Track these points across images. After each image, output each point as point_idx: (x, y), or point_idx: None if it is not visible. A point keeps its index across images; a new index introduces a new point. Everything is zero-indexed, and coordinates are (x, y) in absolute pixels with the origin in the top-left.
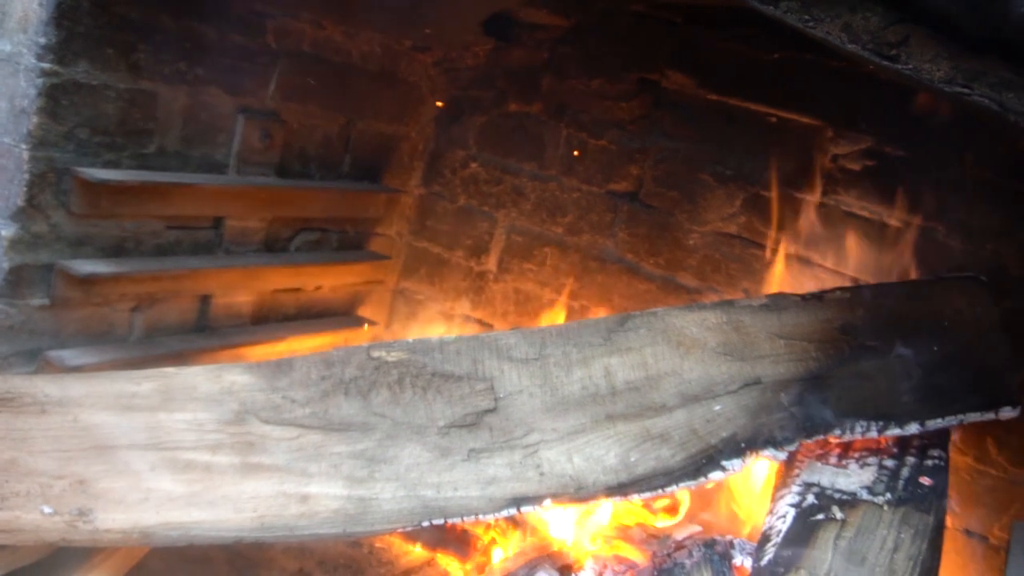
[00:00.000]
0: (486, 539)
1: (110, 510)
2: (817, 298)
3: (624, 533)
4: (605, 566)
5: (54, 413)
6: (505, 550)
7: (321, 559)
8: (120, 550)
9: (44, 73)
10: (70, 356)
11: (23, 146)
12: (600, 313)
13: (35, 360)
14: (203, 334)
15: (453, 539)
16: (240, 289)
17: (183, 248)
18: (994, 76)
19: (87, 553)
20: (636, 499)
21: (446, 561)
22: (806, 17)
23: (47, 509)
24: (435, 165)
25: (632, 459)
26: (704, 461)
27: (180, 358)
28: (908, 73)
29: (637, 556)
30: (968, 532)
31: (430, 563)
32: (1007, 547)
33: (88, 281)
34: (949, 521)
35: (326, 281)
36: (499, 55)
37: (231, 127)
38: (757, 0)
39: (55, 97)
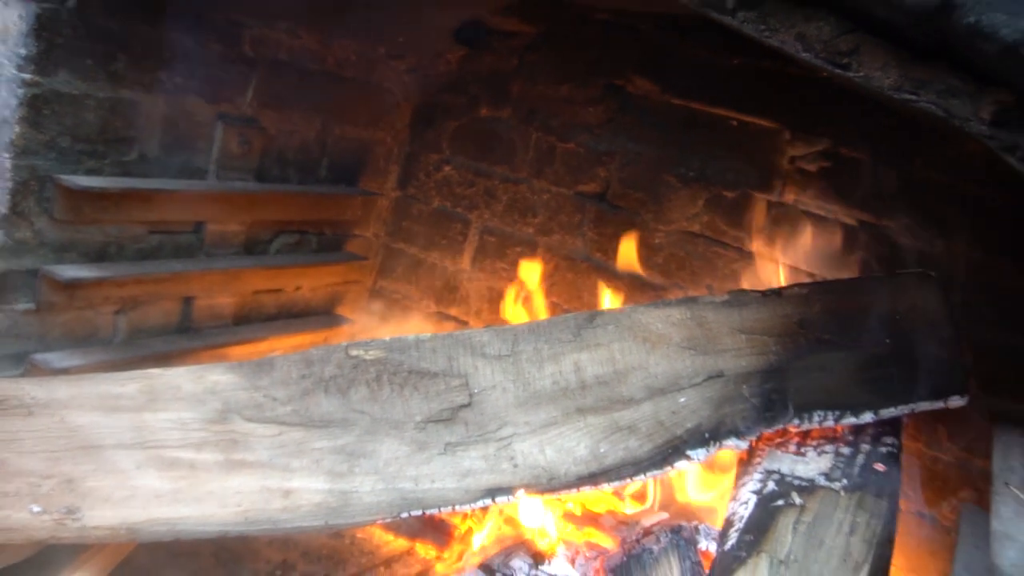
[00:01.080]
0: (463, 528)
1: (98, 508)
2: (776, 294)
3: (595, 520)
4: (577, 552)
5: (41, 415)
6: (482, 539)
7: (305, 550)
8: (108, 546)
9: (25, 83)
10: (56, 359)
11: (5, 155)
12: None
13: (21, 363)
14: (186, 335)
15: (431, 529)
16: (222, 291)
17: (165, 252)
18: (940, 83)
19: (76, 550)
20: (606, 488)
21: (425, 550)
22: (762, 27)
23: (36, 508)
24: (410, 168)
25: (602, 450)
26: (670, 451)
27: (164, 359)
28: (859, 80)
29: (607, 542)
30: (920, 515)
31: (410, 552)
32: (957, 528)
33: (72, 286)
34: (902, 504)
35: (305, 282)
36: (471, 62)
37: (210, 133)
38: (716, 11)
39: (36, 107)
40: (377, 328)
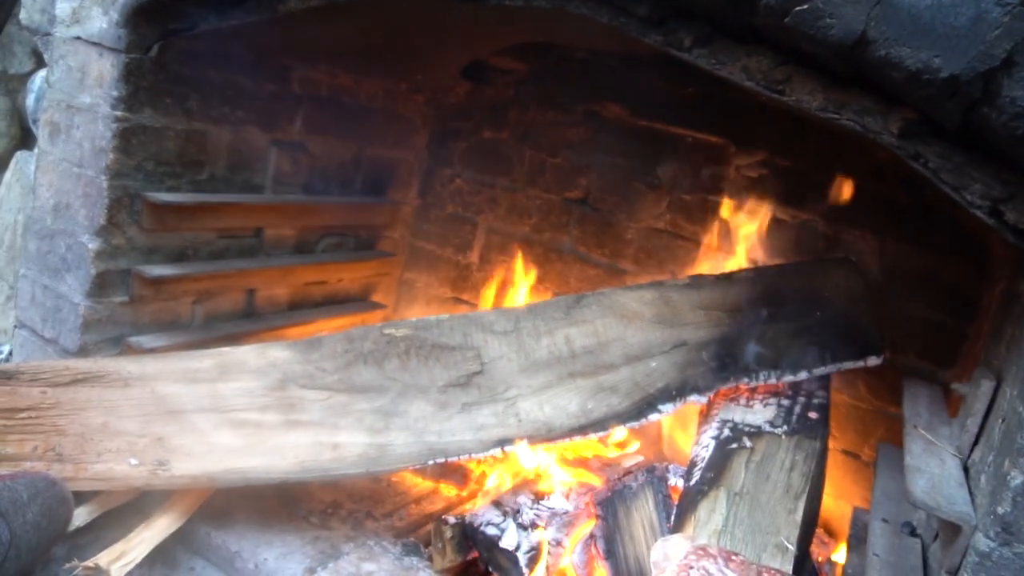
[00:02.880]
0: (478, 472)
1: (183, 460)
2: (727, 277)
3: (584, 463)
4: (570, 489)
5: (135, 386)
6: (493, 480)
7: (350, 492)
8: (191, 492)
9: (117, 119)
10: (146, 341)
11: (103, 177)
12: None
13: (119, 345)
14: (250, 320)
15: (453, 473)
16: (278, 283)
17: (232, 253)
18: (857, 104)
19: (165, 495)
20: (593, 437)
21: (447, 490)
22: (713, 61)
23: (133, 461)
24: (428, 181)
25: (589, 407)
26: (645, 406)
27: (233, 339)
28: (792, 103)
29: (595, 481)
30: (846, 452)
31: (435, 492)
32: (875, 463)
33: (158, 281)
34: (831, 445)
35: (346, 275)
36: (476, 94)
37: (266, 156)
38: (676, 49)
39: (126, 138)
40: (405, 311)
